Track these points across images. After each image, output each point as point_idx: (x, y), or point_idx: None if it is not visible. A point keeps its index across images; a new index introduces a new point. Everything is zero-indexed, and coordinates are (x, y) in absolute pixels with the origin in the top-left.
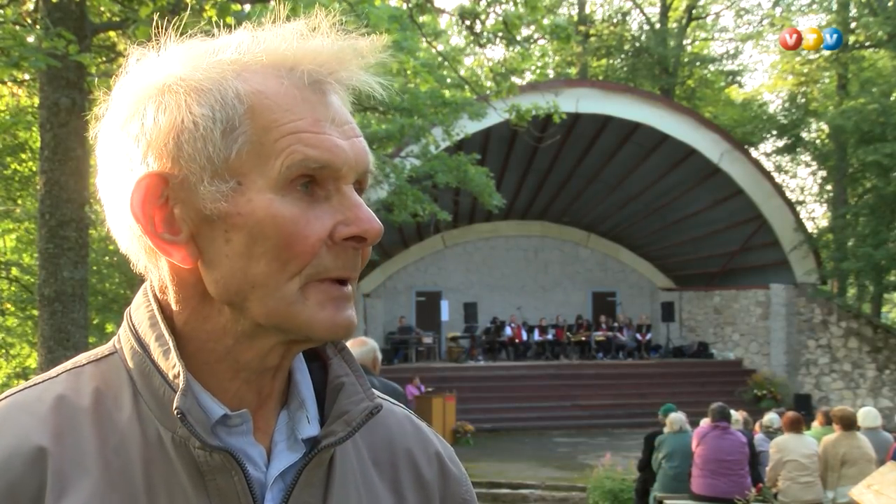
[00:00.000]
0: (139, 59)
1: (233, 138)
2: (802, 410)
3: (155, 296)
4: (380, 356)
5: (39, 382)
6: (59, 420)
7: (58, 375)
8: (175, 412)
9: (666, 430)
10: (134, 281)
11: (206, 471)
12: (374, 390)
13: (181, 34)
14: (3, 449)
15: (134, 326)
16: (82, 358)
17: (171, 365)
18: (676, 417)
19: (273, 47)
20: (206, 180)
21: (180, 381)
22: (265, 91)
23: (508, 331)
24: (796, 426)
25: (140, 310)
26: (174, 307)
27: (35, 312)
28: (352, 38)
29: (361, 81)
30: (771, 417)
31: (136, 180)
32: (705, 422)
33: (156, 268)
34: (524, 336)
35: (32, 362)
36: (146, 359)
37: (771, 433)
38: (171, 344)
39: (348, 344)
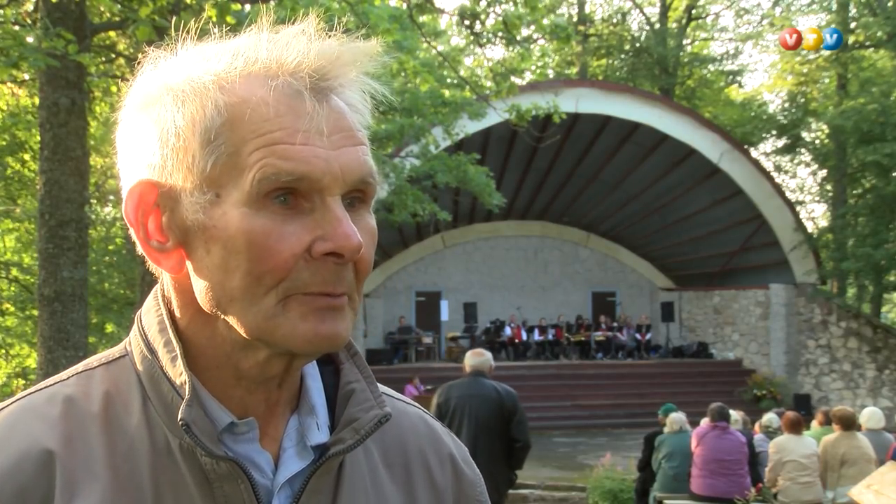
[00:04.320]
0: (152, 62)
1: (210, 150)
2: (802, 410)
3: (165, 298)
4: (493, 363)
5: (50, 385)
6: (69, 425)
7: (68, 378)
8: (180, 423)
9: (666, 429)
10: (134, 281)
11: (213, 478)
12: (385, 397)
13: (200, 35)
14: (14, 452)
15: (144, 330)
16: (94, 360)
17: (178, 373)
18: (676, 417)
19: (261, 54)
20: (188, 191)
21: (186, 390)
22: (247, 101)
23: (508, 331)
24: (796, 427)
25: (150, 313)
26: (176, 312)
27: (35, 312)
28: (348, 41)
29: (359, 86)
30: (770, 417)
31: (129, 187)
32: (705, 422)
33: (161, 271)
34: (524, 336)
35: (32, 362)
36: (155, 364)
37: (770, 433)
38: (178, 351)
39: (468, 354)
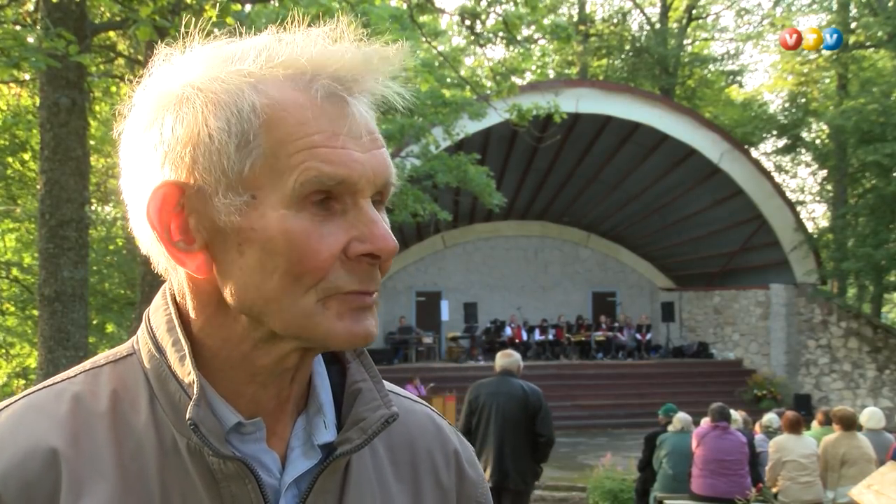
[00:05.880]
0: (164, 60)
1: (247, 152)
2: (802, 410)
3: (174, 298)
4: (521, 364)
5: (57, 382)
6: (76, 423)
7: (76, 376)
8: (188, 422)
9: (671, 427)
10: (134, 281)
11: (220, 478)
12: (391, 396)
13: (206, 34)
14: (19, 449)
15: (152, 329)
16: (101, 358)
17: (187, 372)
18: (683, 417)
19: (293, 56)
20: (220, 192)
21: (194, 390)
22: (282, 103)
23: (508, 331)
24: (796, 427)
25: (158, 312)
26: (191, 313)
27: (35, 312)
28: (375, 46)
29: (385, 90)
30: (770, 417)
31: (153, 188)
32: (705, 422)
33: (174, 272)
34: (524, 336)
35: (32, 362)
36: (163, 363)
37: (770, 433)
38: (186, 350)
39: (498, 355)
